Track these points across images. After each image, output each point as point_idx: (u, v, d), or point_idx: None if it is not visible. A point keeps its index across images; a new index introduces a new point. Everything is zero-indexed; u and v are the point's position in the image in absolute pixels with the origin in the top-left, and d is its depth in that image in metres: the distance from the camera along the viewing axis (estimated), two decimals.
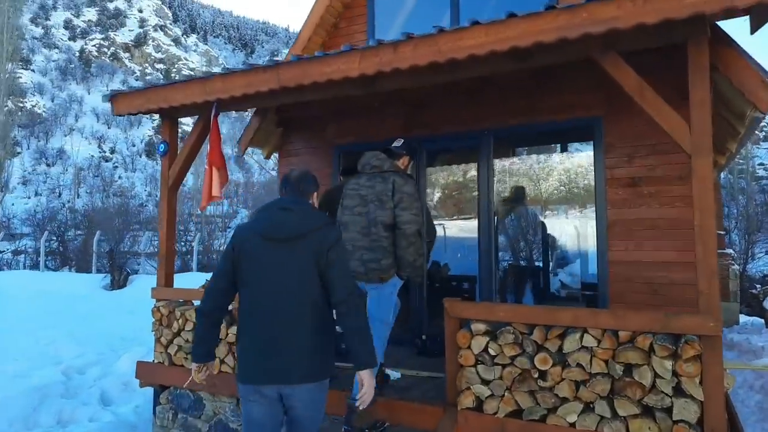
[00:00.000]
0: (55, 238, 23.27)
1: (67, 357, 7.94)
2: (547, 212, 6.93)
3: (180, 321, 4.93)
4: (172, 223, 5.36)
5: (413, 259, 3.96)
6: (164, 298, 5.20)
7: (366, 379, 2.63)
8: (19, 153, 51.59)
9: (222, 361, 4.67)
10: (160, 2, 60.31)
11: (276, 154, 7.08)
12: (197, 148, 5.28)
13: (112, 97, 5.25)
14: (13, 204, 43.66)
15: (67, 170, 51.63)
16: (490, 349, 3.59)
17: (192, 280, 15.41)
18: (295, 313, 2.63)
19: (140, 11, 58.67)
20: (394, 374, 4.56)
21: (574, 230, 7.10)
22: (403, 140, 4.56)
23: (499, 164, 6.08)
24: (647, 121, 4.91)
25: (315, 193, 2.98)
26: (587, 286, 6.86)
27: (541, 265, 7.19)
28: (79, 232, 24.29)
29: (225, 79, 4.58)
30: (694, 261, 3.22)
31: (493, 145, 5.61)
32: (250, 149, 6.75)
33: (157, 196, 46.27)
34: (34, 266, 21.81)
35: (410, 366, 4.91)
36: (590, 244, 6.40)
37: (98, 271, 18.86)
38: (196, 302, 5.11)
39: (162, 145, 5.39)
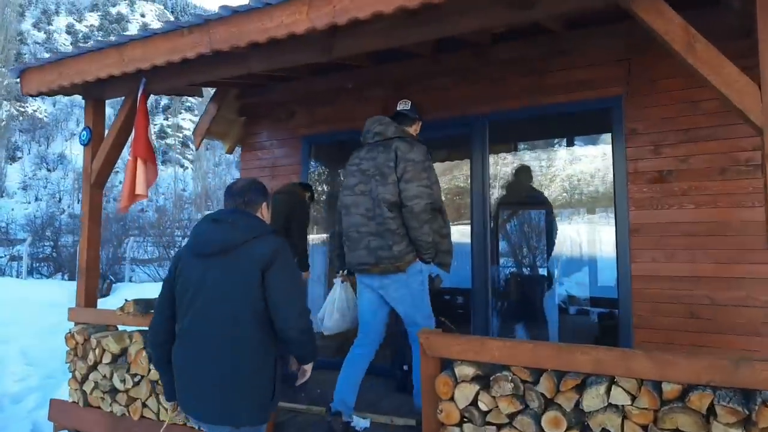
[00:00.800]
0: (49, 244, 22.49)
1: (7, 380, 6.91)
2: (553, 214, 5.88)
3: (96, 351, 3.89)
4: (96, 228, 4.33)
5: (432, 239, 3.25)
6: (82, 321, 4.18)
7: (308, 367, 2.45)
8: (19, 158, 50.85)
9: (144, 404, 3.64)
10: (162, 7, 59.70)
11: (239, 148, 6.06)
12: (124, 137, 4.26)
13: (22, 72, 4.24)
14: (12, 209, 42.95)
15: (67, 175, 50.86)
16: (480, 402, 2.55)
17: None
18: (223, 342, 2.21)
19: (142, 16, 58.12)
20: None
21: (584, 235, 6.06)
22: (410, 102, 3.75)
23: (496, 161, 5.04)
24: (678, 100, 3.89)
25: (264, 204, 2.52)
26: (599, 301, 5.81)
27: (548, 273, 6.15)
28: (76, 238, 23.53)
29: (145, 44, 3.56)
30: (743, 276, 2.18)
31: (489, 134, 4.57)
32: (192, 123, 5.73)
33: (157, 201, 45.43)
34: (29, 272, 20.97)
35: (384, 409, 3.86)
36: (602, 250, 5.36)
37: (102, 276, 17.91)
38: (123, 327, 4.08)
39: (84, 132, 4.38)
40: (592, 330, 5.55)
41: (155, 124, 55.32)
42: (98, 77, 3.80)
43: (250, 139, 5.84)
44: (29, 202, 47.87)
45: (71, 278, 19.28)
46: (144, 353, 3.62)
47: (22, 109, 52.84)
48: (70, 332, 4.11)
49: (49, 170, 53.22)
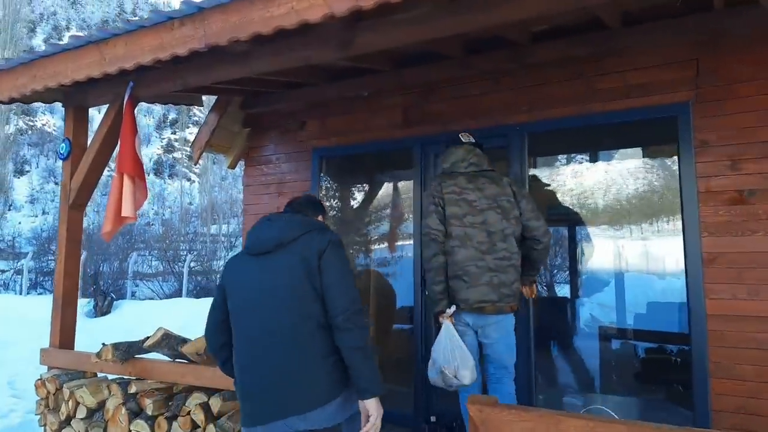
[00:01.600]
0: (53, 259, 22.09)
1: None
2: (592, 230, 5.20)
3: (69, 404, 3.24)
4: (75, 254, 3.71)
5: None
6: (56, 365, 3.53)
7: (372, 409, 2.12)
8: (27, 171, 50.61)
9: None
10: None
11: (242, 163, 5.44)
12: (108, 150, 3.65)
13: None
14: (19, 222, 42.63)
15: None
16: None
17: (182, 309, 13.87)
18: (291, 335, 2.15)
19: None
20: None
21: (634, 258, 5.38)
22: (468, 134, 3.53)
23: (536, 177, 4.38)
24: (762, 106, 3.25)
25: (320, 217, 2.54)
26: (646, 335, 5.12)
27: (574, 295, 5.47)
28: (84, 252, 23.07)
29: (128, 40, 2.95)
30: None
31: (528, 147, 3.93)
32: (207, 155, 5.11)
33: (164, 214, 44.95)
34: (33, 287, 20.46)
35: None
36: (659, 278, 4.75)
37: (93, 294, 17.40)
38: (102, 375, 3.44)
39: (63, 144, 3.78)
40: (640, 367, 4.86)
41: (162, 138, 55.10)
42: (75, 80, 3.19)
43: (255, 152, 5.22)
44: (36, 216, 47.55)
45: (79, 294, 18.70)
46: (123, 409, 2.97)
47: (31, 123, 52.70)
48: (40, 378, 3.47)
49: (56, 183, 52.86)
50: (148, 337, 3.15)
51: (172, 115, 51.93)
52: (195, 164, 5.37)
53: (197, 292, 18.16)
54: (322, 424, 2.09)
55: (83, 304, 15.40)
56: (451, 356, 2.92)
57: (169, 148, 52.65)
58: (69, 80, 3.22)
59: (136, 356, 3.20)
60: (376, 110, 4.55)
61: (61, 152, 3.73)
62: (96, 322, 14.07)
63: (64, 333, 3.62)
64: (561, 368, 5.07)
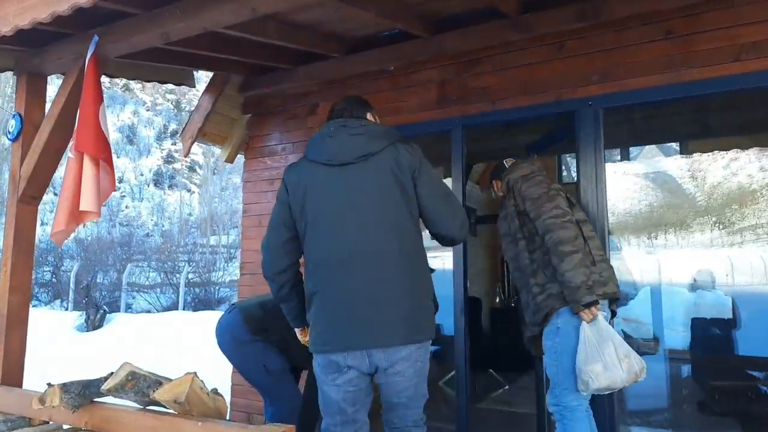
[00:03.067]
0: (49, 270, 21.30)
1: None
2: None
3: None
4: (25, 259, 2.83)
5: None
6: None
7: None
8: None
9: None
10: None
11: (242, 155, 4.58)
12: (70, 125, 2.79)
13: None
14: None
15: None
16: None
17: (178, 323, 12.95)
18: (391, 260, 1.95)
19: None
20: None
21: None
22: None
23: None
24: None
25: (369, 114, 2.27)
26: None
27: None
28: (77, 263, 22.25)
29: None
30: None
31: (603, 126, 3.07)
32: (199, 147, 4.27)
33: (163, 225, 44.13)
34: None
35: None
36: None
37: (84, 307, 16.53)
38: (53, 423, 2.55)
39: (13, 120, 2.92)
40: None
41: (162, 149, 54.31)
42: (18, 27, 2.35)
43: (257, 142, 4.36)
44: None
45: (72, 306, 17.94)
46: None
47: None
48: None
49: (55, 194, 51.95)
50: (111, 374, 2.28)
51: (172, 126, 51.24)
52: (185, 156, 4.57)
53: (195, 305, 17.38)
54: (397, 364, 1.91)
55: (74, 318, 14.53)
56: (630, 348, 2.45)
57: (169, 158, 51.82)
58: (10, 28, 2.38)
59: (95, 400, 2.32)
60: (404, 87, 3.70)
61: (10, 131, 2.88)
62: (87, 337, 13.15)
63: (8, 365, 2.73)
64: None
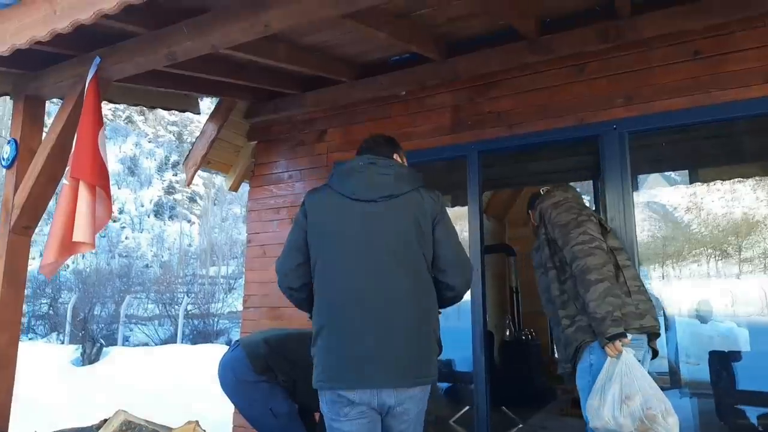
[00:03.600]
0: (46, 302, 21.03)
1: None
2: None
3: None
4: (15, 294, 2.63)
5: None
6: None
7: None
8: None
9: None
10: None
11: (246, 184, 4.41)
12: (68, 152, 2.62)
13: None
14: None
15: None
16: None
17: (176, 358, 12.61)
18: (395, 291, 1.94)
19: None
20: None
21: None
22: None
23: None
24: None
25: (396, 154, 2.22)
26: None
27: None
28: (75, 295, 21.96)
29: None
30: None
31: (629, 151, 2.91)
32: (200, 178, 4.11)
33: (163, 256, 43.81)
34: (24, 330, 19.42)
35: None
36: None
37: (81, 340, 16.15)
38: None
39: (8, 146, 2.76)
40: None
41: (163, 180, 54.28)
42: (16, 46, 2.20)
43: (262, 170, 4.19)
44: (33, 258, 46.23)
45: (68, 339, 17.56)
46: None
47: None
48: None
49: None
50: (104, 421, 2.05)
51: (174, 157, 51.42)
52: (188, 185, 4.41)
53: (194, 337, 17.05)
54: (404, 403, 1.90)
55: (70, 352, 14.16)
56: (654, 394, 2.15)
57: (170, 189, 51.82)
58: (7, 48, 2.23)
59: None
60: (417, 112, 3.56)
61: (4, 158, 2.72)
62: (82, 371, 12.78)
63: None
64: None
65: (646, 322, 2.32)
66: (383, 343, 1.89)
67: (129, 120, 62.96)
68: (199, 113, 3.93)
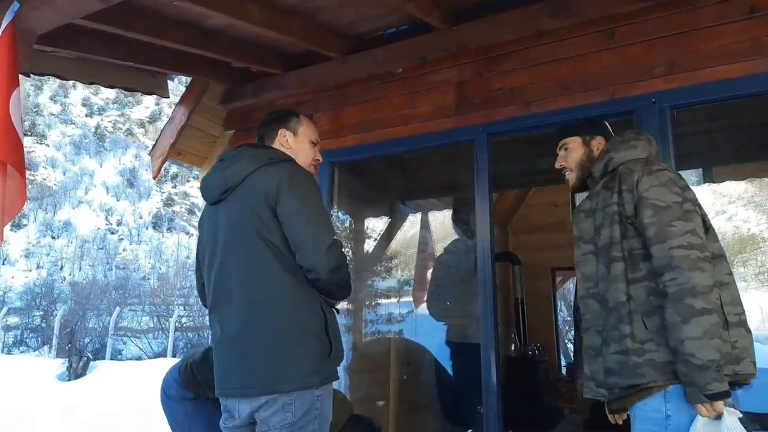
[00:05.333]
0: (39, 315, 20.52)
1: None
2: None
3: None
4: None
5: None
6: None
7: None
8: (24, 225, 49.13)
9: None
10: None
11: None
12: None
13: None
14: (13, 277, 40.95)
15: (71, 242, 49.03)
16: None
17: (164, 371, 11.98)
18: (250, 300, 1.77)
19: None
20: None
21: None
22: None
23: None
24: None
25: (281, 129, 1.99)
26: None
27: None
28: (67, 307, 21.40)
29: None
30: None
31: (671, 129, 2.39)
32: (171, 166, 3.58)
33: (160, 269, 43.21)
34: (16, 343, 18.84)
35: None
36: None
37: (68, 354, 15.53)
38: None
39: None
40: None
41: (162, 192, 53.84)
42: None
43: None
44: (30, 270, 45.62)
45: (56, 353, 16.94)
46: None
47: (32, 177, 51.55)
48: None
49: (53, 237, 51.23)
50: None
51: (173, 169, 51.04)
52: (154, 178, 3.98)
53: (187, 351, 16.45)
54: (261, 414, 1.71)
55: (57, 365, 13.55)
56: None
57: (168, 201, 51.36)
58: None
59: None
60: (416, 91, 3.04)
61: None
62: (67, 387, 12.14)
63: None
64: None
65: (743, 369, 1.66)
66: (236, 350, 1.77)
67: (129, 132, 62.70)
68: (167, 96, 3.42)
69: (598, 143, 1.97)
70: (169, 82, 3.47)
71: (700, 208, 1.72)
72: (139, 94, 3.31)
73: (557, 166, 2.04)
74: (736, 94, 2.33)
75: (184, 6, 2.38)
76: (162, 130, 3.51)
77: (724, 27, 2.34)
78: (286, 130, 1.98)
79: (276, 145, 1.96)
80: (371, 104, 3.17)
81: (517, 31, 2.67)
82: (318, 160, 2.09)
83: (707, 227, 1.71)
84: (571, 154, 1.99)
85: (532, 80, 2.72)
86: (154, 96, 3.36)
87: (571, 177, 2.02)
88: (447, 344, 5.07)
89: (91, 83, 3.00)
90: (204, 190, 1.95)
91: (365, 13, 2.79)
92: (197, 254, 2.00)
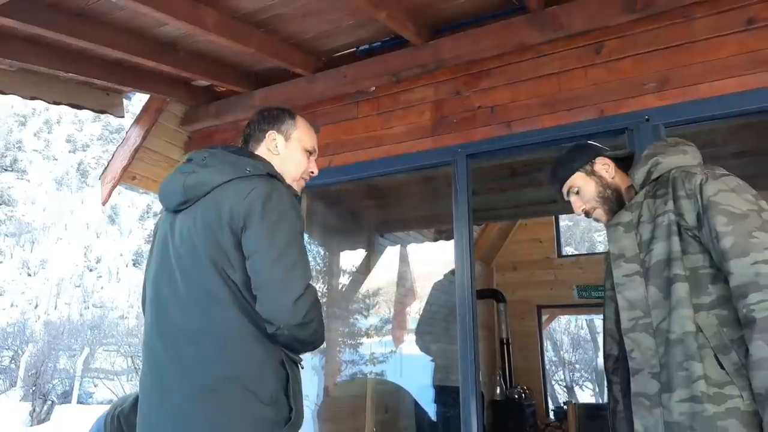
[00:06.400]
0: (8, 355, 19.61)
1: None
2: None
3: None
4: None
5: None
6: None
7: None
8: (0, 262, 47.85)
9: None
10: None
11: None
12: None
13: None
14: None
15: (48, 280, 47.74)
16: None
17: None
18: (185, 332, 1.40)
19: None
20: None
21: None
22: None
23: None
24: None
25: (271, 132, 1.66)
26: None
27: None
28: (39, 347, 20.47)
29: None
30: None
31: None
32: (123, 190, 3.28)
33: (138, 308, 42.08)
34: None
35: None
36: None
37: (32, 397, 14.67)
38: None
39: None
40: None
41: (145, 229, 52.94)
42: None
43: None
44: (3, 309, 44.12)
45: (20, 396, 16.03)
46: None
47: (11, 214, 50.57)
48: None
49: (29, 275, 49.91)
50: None
51: (156, 207, 50.40)
52: (103, 204, 3.64)
53: (90, 396, 15.70)
54: None
55: (23, 409, 12.82)
56: None
57: (150, 238, 50.56)
58: None
59: None
60: (390, 111, 2.81)
61: None
62: None
63: None
64: None
65: None
66: (166, 407, 1.38)
67: None
68: (122, 116, 3.15)
69: (602, 164, 1.72)
70: (125, 101, 3.20)
71: None
72: (89, 112, 3.03)
73: (578, 212, 1.74)
74: (736, 110, 2.12)
75: (131, 7, 2.13)
76: (114, 153, 3.22)
77: (720, 39, 2.15)
78: (277, 133, 1.65)
79: (262, 150, 1.63)
80: (342, 125, 2.93)
81: (498, 46, 2.47)
82: (312, 173, 1.72)
83: None
84: (584, 192, 1.71)
85: (515, 98, 2.50)
86: (107, 115, 3.08)
87: (600, 214, 1.71)
88: (431, 387, 4.73)
89: (33, 98, 2.72)
90: (161, 193, 1.59)
91: (334, 25, 2.57)
92: (147, 264, 1.62)
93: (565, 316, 10.38)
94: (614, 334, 1.54)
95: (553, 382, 11.46)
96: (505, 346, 5.99)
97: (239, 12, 2.40)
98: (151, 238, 1.66)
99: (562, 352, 12.67)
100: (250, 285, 1.38)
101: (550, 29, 2.35)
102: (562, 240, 7.19)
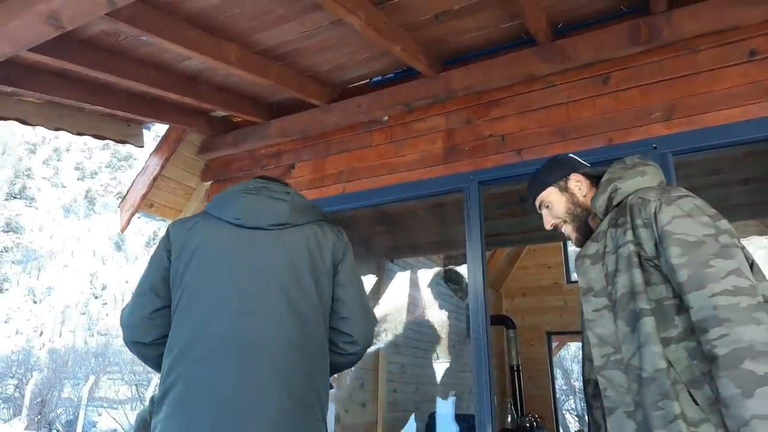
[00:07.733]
0: (13, 383, 19.52)
1: None
2: None
3: None
4: None
5: None
6: None
7: None
8: (6, 290, 47.98)
9: None
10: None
11: None
12: None
13: None
14: None
15: (53, 307, 47.77)
16: None
17: None
18: (268, 339, 1.46)
19: None
20: None
21: None
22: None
23: None
24: None
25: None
26: None
27: None
28: (45, 376, 20.39)
29: None
30: None
31: (676, 175, 2.23)
32: (143, 219, 3.36)
33: None
34: None
35: None
36: None
37: (37, 427, 14.56)
38: None
39: None
40: None
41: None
42: None
43: None
44: (9, 336, 44.09)
45: (25, 425, 15.91)
46: None
47: (18, 241, 50.95)
48: None
49: (35, 302, 50.00)
50: None
51: (162, 232, 50.66)
52: (121, 231, 3.67)
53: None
54: None
55: None
56: None
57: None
58: None
59: None
60: (403, 139, 2.89)
61: None
62: None
63: None
64: None
65: None
66: (236, 407, 1.37)
67: (120, 195, 63.11)
68: (142, 146, 3.25)
69: (575, 181, 1.71)
70: (144, 131, 3.31)
71: (739, 240, 1.35)
72: (111, 143, 3.14)
73: (548, 227, 1.76)
74: (741, 138, 2.19)
75: (158, 44, 2.24)
76: (133, 181, 3.32)
77: (724, 70, 2.23)
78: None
79: None
80: (355, 153, 3.01)
81: (508, 77, 2.56)
82: None
83: (750, 263, 1.35)
84: (554, 208, 1.72)
85: (524, 127, 2.58)
86: (128, 145, 3.18)
87: (568, 230, 1.71)
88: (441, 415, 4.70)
89: (57, 129, 2.82)
90: (243, 210, 1.60)
91: (349, 58, 2.68)
92: (165, 276, 1.57)
93: (575, 343, 10.30)
94: (592, 358, 1.50)
95: (564, 411, 11.30)
96: (515, 373, 5.96)
97: (259, 46, 2.51)
98: (167, 244, 1.62)
99: (572, 381, 12.52)
100: (329, 306, 1.61)
101: (557, 61, 2.45)
102: (571, 266, 7.21)
